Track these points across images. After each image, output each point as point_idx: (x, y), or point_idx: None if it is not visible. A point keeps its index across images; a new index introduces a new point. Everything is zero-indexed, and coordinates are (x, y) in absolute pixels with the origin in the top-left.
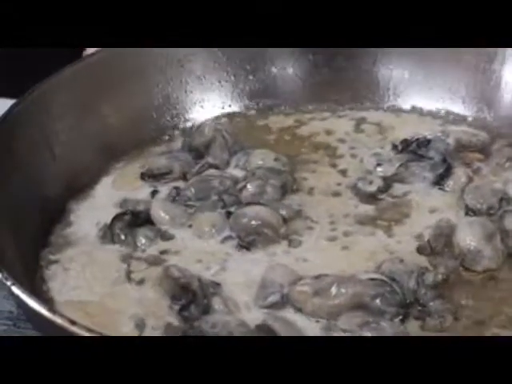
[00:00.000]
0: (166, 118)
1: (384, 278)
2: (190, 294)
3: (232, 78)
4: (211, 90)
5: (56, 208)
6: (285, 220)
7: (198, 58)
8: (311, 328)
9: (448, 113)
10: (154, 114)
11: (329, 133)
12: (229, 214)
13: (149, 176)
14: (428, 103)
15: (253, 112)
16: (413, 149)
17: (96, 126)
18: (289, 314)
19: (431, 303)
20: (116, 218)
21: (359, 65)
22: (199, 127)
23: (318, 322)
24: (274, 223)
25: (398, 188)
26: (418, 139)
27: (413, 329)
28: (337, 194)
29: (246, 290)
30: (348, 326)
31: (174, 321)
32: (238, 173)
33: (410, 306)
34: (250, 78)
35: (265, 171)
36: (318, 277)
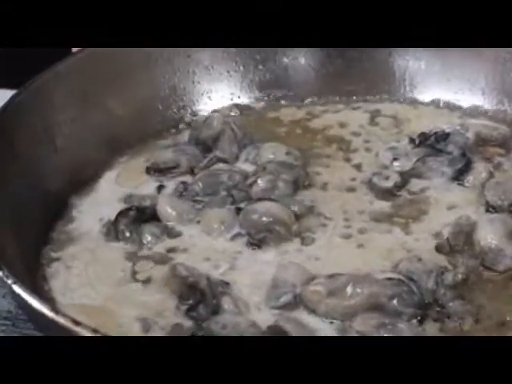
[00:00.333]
0: (173, 109)
1: (401, 277)
2: (198, 294)
3: (241, 68)
4: (219, 80)
5: (58, 203)
6: (297, 216)
7: (205, 48)
8: (325, 330)
9: (467, 105)
10: (160, 106)
11: (342, 126)
12: (238, 210)
13: (155, 170)
14: (446, 95)
15: (263, 104)
16: (431, 143)
17: (100, 117)
18: (302, 315)
19: (450, 304)
20: (121, 213)
21: (374, 55)
22: (207, 119)
23: (332, 323)
24: (285, 220)
25: (415, 183)
26: (436, 133)
27: (431, 331)
28: (351, 190)
29: (256, 289)
30: (364, 327)
31: (182, 322)
32: (248, 167)
33: (428, 306)
34: (260, 68)
35: (276, 165)
36: (332, 276)
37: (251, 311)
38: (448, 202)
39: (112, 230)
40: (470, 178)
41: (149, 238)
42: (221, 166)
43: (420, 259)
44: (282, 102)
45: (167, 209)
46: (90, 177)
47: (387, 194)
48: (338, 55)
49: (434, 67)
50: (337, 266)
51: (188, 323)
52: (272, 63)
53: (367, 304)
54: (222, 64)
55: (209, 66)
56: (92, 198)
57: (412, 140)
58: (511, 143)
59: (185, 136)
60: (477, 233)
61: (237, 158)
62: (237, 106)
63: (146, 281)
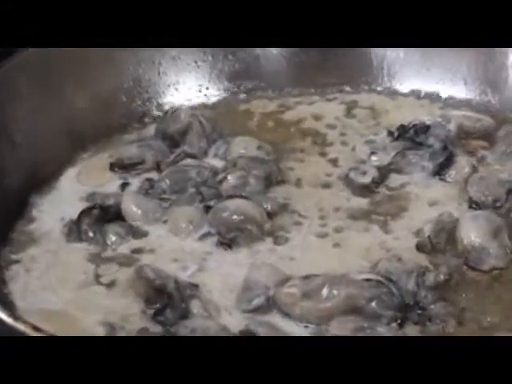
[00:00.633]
0: (138, 102)
1: (380, 278)
2: (165, 297)
3: (210, 58)
4: (187, 71)
5: (17, 202)
6: (269, 215)
7: None
8: (300, 334)
9: (448, 96)
10: (124, 98)
11: (317, 118)
12: (208, 208)
13: (119, 167)
14: (426, 85)
15: (233, 96)
16: (410, 135)
17: (61, 111)
18: (275, 318)
19: (432, 306)
20: (83, 213)
21: None
22: (174, 112)
23: (307, 327)
24: (257, 218)
25: (394, 179)
26: (415, 125)
27: (412, 334)
28: (327, 186)
29: (227, 292)
30: (340, 331)
31: (149, 326)
32: (218, 163)
33: (408, 309)
34: (230, 57)
35: (247, 161)
36: (306, 277)
37: (222, 315)
38: (429, 199)
39: (74, 230)
40: (452, 173)
41: (113, 239)
42: (189, 161)
43: (400, 259)
44: (254, 93)
45: (132, 207)
46: (50, 174)
47: (365, 190)
48: None
49: (413, 56)
50: (312, 266)
51: (155, 328)
52: (242, 52)
53: (344, 306)
54: (190, 54)
55: (176, 56)
56: (53, 197)
57: (390, 133)
58: (495, 135)
59: (150, 130)
60: (459, 230)
61: (206, 153)
62: (205, 97)
63: (110, 284)
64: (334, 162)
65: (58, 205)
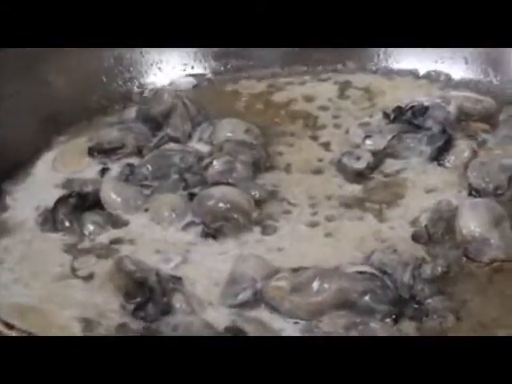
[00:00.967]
0: (118, 82)
1: (374, 270)
2: (146, 291)
3: None
4: (170, 49)
5: None
6: (257, 203)
7: None
8: (289, 330)
9: (448, 76)
10: (104, 78)
11: (308, 99)
12: (192, 195)
13: (98, 151)
14: (424, 64)
15: (219, 75)
16: (407, 118)
17: (37, 92)
18: (262, 313)
19: (429, 300)
20: (59, 201)
21: None
22: (156, 93)
23: (296, 323)
24: (244, 206)
25: (389, 164)
26: (413, 106)
27: (408, 330)
28: (318, 172)
29: (212, 286)
30: (332, 327)
31: (128, 322)
32: (203, 147)
33: (404, 303)
34: None
35: (234, 145)
36: (296, 270)
37: (206, 310)
38: (426, 185)
39: (49, 220)
40: (450, 158)
41: (91, 228)
42: (172, 145)
43: (395, 250)
44: (241, 73)
45: (111, 195)
46: (26, 159)
47: (358, 176)
48: None
49: None
50: (302, 258)
51: (135, 324)
52: None
53: (336, 301)
54: None
55: None
56: (28, 184)
57: (386, 115)
58: (497, 118)
59: (132, 112)
60: (458, 219)
61: (190, 136)
62: (190, 77)
63: (88, 276)
64: (326, 147)
65: (34, 192)
